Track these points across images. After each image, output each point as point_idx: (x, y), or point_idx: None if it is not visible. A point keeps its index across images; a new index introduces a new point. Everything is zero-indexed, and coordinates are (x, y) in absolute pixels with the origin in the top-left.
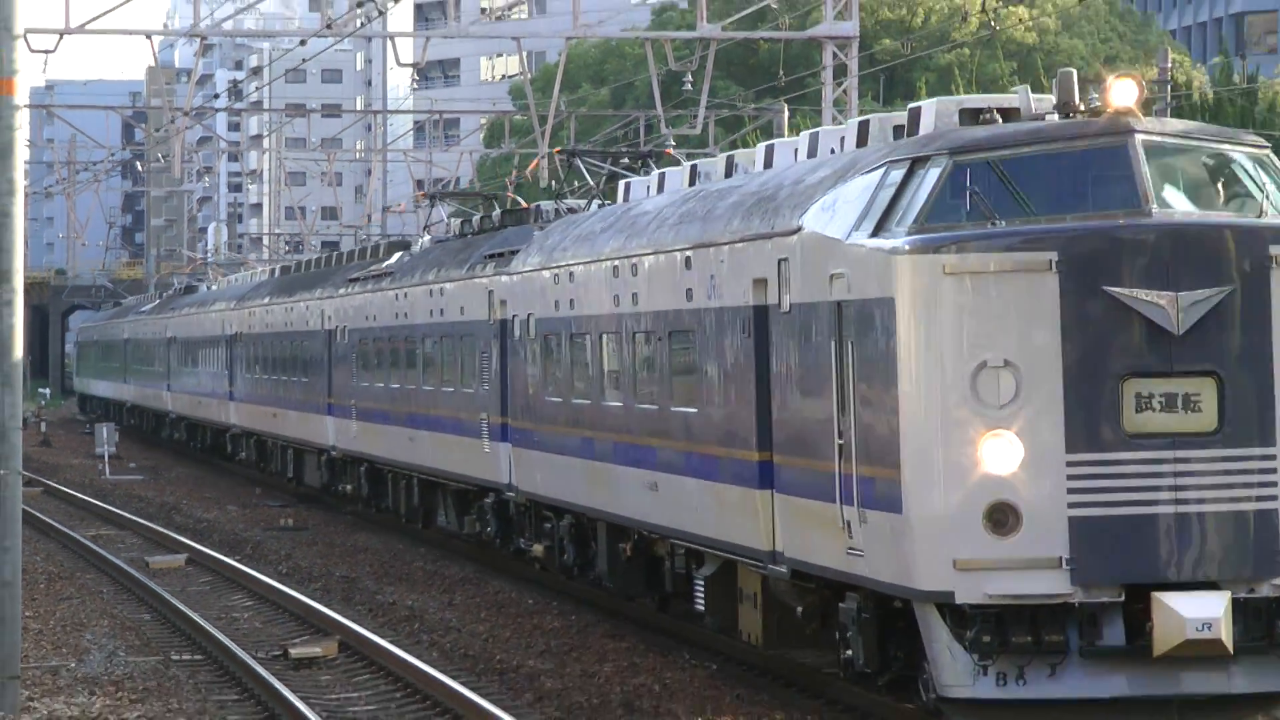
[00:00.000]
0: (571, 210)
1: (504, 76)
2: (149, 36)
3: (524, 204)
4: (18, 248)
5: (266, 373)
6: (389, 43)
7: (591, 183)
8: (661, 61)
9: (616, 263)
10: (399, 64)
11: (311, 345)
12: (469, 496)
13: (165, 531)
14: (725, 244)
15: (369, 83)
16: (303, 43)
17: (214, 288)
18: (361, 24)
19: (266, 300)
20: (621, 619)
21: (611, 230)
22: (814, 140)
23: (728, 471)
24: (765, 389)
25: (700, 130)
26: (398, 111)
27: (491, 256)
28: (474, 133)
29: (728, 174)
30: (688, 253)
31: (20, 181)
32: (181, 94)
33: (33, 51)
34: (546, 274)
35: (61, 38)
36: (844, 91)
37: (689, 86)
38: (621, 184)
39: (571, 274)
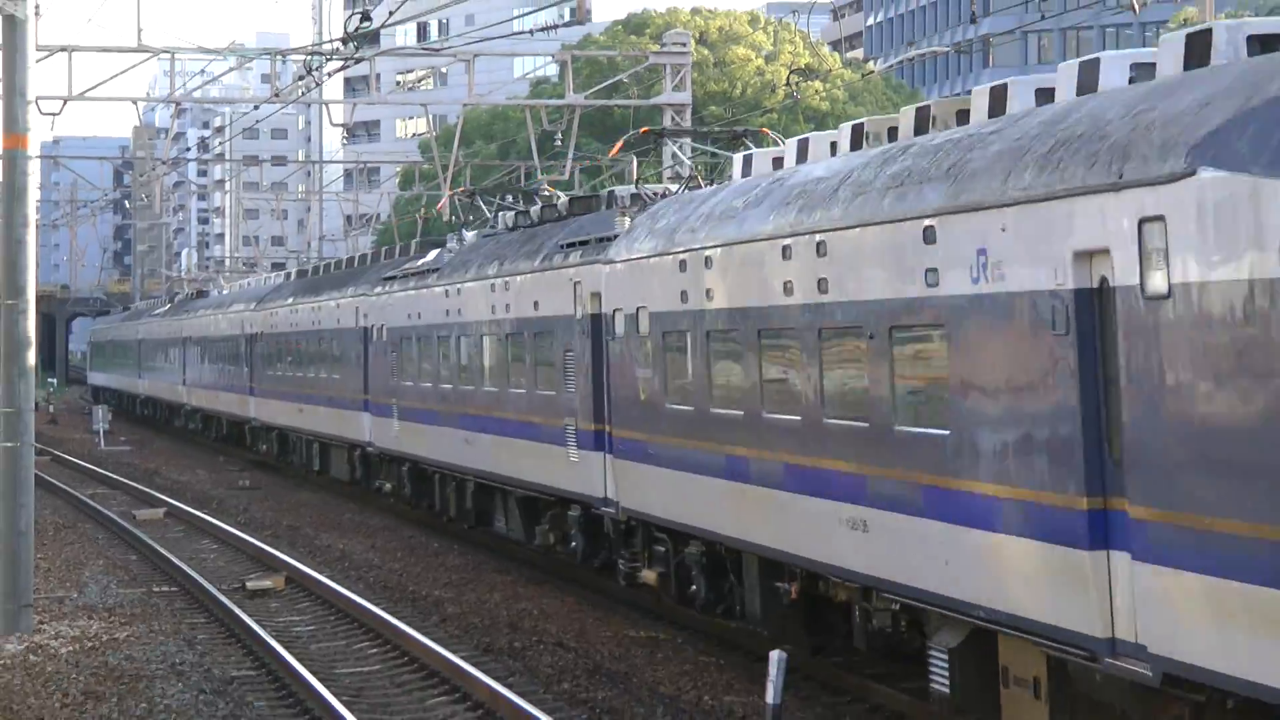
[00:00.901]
0: (658, 195)
1: (414, 135)
2: (135, 102)
3: (551, 191)
4: (31, 268)
5: (292, 369)
6: (324, 108)
7: (690, 163)
8: (538, 123)
9: (786, 242)
10: (332, 124)
11: (345, 343)
12: (539, 505)
13: (148, 490)
14: (1008, 205)
15: (309, 139)
16: (256, 107)
17: (224, 292)
18: (302, 93)
19: (290, 301)
20: (507, 559)
21: (766, 203)
22: (1089, 71)
23: (1015, 519)
24: (1098, 407)
25: (568, 177)
26: (331, 161)
27: (573, 245)
28: (391, 178)
29: (918, 131)
30: (928, 222)
31: (33, 216)
32: (160, 147)
33: (42, 114)
34: (667, 260)
35: (65, 103)
36: (679, 147)
37: (559, 143)
38: (738, 158)
39: (708, 259)
